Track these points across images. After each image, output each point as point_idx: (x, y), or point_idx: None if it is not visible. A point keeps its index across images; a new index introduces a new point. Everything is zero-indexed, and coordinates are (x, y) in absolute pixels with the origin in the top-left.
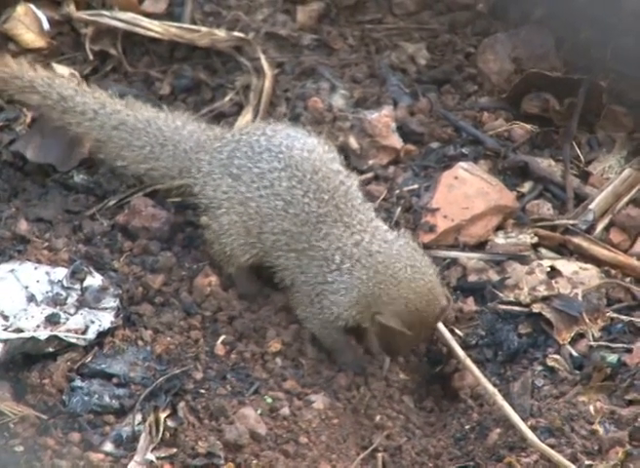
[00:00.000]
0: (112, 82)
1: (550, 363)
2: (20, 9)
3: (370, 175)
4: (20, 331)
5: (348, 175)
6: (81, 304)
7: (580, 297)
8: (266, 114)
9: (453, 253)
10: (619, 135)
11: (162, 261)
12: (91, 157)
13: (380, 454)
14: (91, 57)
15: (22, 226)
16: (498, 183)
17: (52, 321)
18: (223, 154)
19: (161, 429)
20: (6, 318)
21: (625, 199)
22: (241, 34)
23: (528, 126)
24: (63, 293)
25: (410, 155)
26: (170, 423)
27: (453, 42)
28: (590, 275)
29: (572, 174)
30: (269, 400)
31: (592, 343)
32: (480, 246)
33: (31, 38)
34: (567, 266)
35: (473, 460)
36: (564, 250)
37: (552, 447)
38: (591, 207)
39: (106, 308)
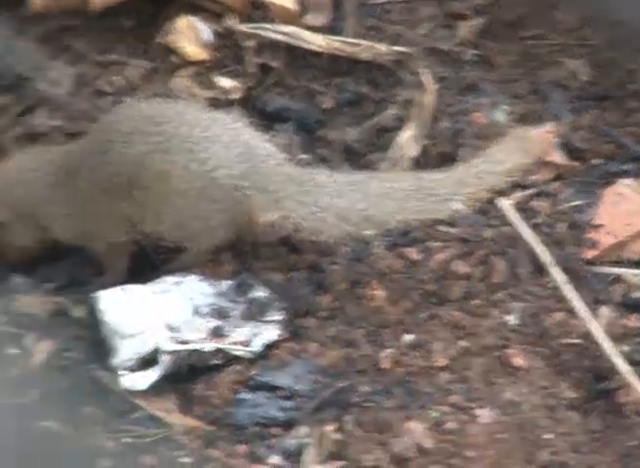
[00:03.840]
0: (275, 95)
1: None
2: (183, 22)
3: (533, 190)
4: (185, 342)
5: None
6: (246, 317)
7: None
8: (428, 129)
9: (616, 270)
10: None
11: (330, 277)
12: None
13: None
14: (253, 70)
15: None
16: None
17: (217, 333)
18: None
19: (327, 442)
20: (172, 330)
21: None
22: (403, 49)
23: None
24: (229, 306)
25: (572, 171)
26: (336, 436)
27: (614, 58)
28: None
29: None
30: (435, 414)
31: None
32: None
33: (193, 51)
34: None
35: None
36: None
37: None
38: None
39: (272, 321)
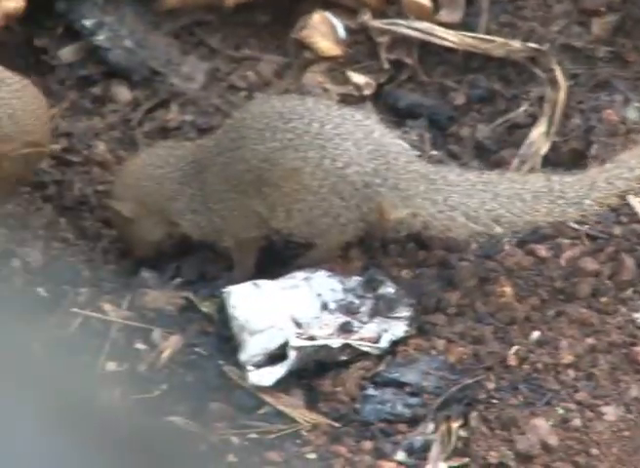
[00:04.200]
0: (407, 91)
1: None
2: (317, 17)
3: None
4: (313, 338)
5: None
6: (374, 313)
7: None
8: (560, 126)
9: None
10: None
11: (459, 273)
12: None
13: None
14: (386, 65)
15: None
16: None
17: (345, 329)
18: None
19: (453, 439)
20: (299, 325)
21: None
22: (536, 45)
23: None
24: (357, 302)
25: None
26: (462, 433)
27: None
28: None
29: None
30: (561, 411)
31: None
32: None
33: (327, 46)
34: None
35: None
36: None
37: None
38: None
39: (400, 317)
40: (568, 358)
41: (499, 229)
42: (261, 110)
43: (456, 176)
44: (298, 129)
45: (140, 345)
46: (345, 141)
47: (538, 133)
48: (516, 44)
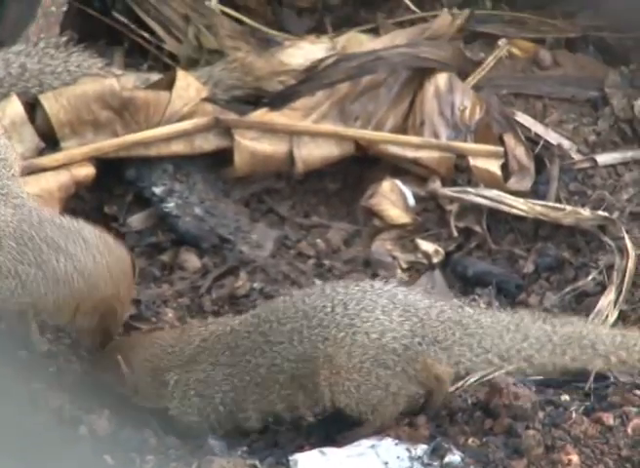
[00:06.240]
0: (476, 259)
1: None
2: (386, 185)
3: None
4: None
5: None
6: None
7: None
8: (628, 294)
9: None
10: None
11: (525, 442)
12: None
13: None
14: (455, 233)
15: None
16: None
17: None
18: None
19: None
20: None
21: None
22: (605, 214)
23: None
24: None
25: None
26: None
27: None
28: None
29: None
30: None
31: None
32: None
33: (396, 214)
34: None
35: None
36: None
37: None
38: None
39: None
40: None
41: (530, 371)
42: (285, 313)
43: (488, 318)
44: (324, 320)
45: None
46: (373, 312)
47: (606, 301)
48: (585, 212)
